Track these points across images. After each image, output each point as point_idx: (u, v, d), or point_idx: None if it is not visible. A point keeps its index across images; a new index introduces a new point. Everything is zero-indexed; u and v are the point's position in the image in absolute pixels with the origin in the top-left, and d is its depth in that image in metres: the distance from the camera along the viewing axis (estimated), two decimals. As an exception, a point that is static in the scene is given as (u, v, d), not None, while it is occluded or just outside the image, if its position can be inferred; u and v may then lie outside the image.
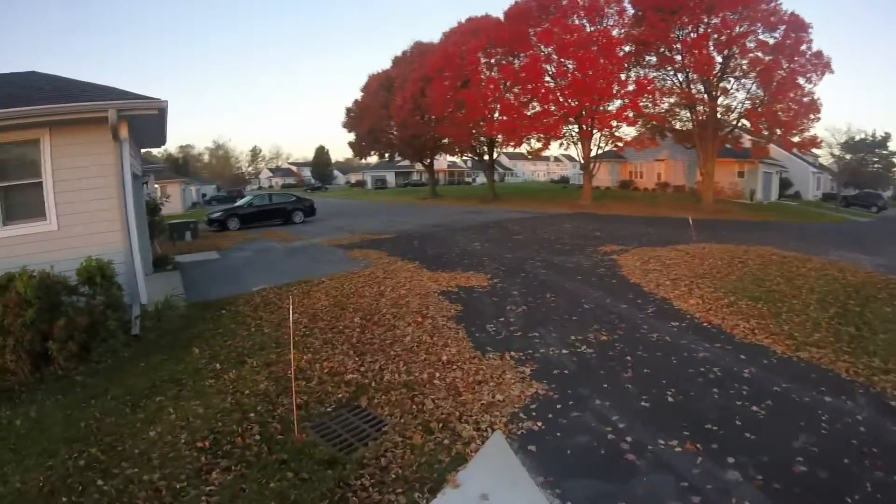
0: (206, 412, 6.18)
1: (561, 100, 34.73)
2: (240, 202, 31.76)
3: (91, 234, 9.58)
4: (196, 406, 6.35)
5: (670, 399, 6.60)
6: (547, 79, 35.52)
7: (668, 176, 49.14)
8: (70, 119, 9.18)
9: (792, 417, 6.09)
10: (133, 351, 8.39)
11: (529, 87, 35.27)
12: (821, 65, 29.38)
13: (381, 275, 13.76)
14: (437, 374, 7.43)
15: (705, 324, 9.52)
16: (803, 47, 29.07)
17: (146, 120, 10.63)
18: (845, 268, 14.26)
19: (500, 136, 39.45)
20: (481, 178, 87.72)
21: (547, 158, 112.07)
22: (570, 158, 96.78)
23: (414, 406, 6.40)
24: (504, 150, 61.82)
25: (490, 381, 7.24)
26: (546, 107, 35.60)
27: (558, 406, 6.51)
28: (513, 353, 8.22)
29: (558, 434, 5.86)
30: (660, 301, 10.97)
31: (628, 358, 7.98)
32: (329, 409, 6.39)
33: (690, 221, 16.97)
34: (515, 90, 37.45)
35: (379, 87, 51.74)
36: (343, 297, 11.71)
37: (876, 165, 58.72)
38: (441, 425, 5.89)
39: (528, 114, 36.62)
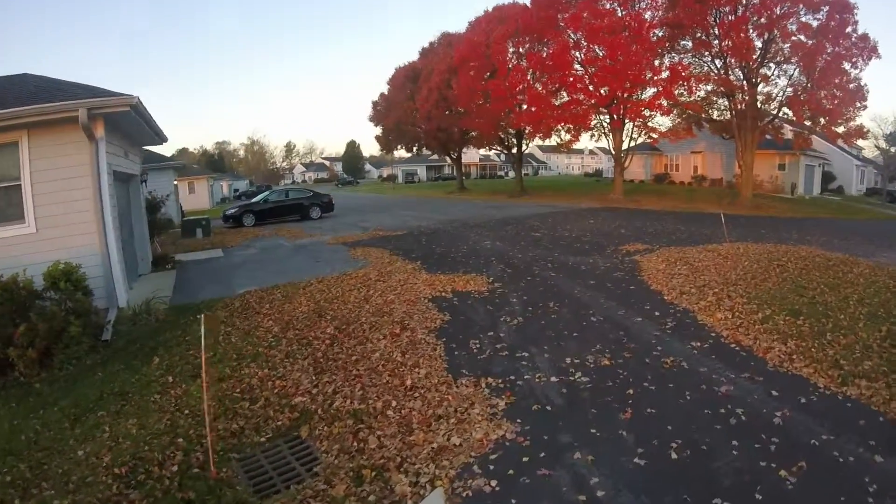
0: (138, 433, 5.70)
1: (590, 88, 32.92)
2: (256, 198, 31.07)
3: (68, 236, 9.41)
4: (132, 425, 5.88)
5: (674, 455, 5.05)
6: (576, 66, 33.69)
7: (705, 169, 46.65)
8: (45, 120, 9.09)
9: (831, 487, 4.53)
10: (99, 358, 8.01)
11: (557, 75, 33.51)
12: (867, 49, 27.12)
13: (374, 277, 12.57)
14: (394, 403, 6.23)
15: (733, 344, 7.83)
16: (848, 30, 26.91)
17: (127, 117, 10.32)
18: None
19: (527, 127, 37.72)
20: (515, 173, 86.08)
21: (581, 151, 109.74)
22: (605, 151, 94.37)
23: (355, 443, 5.44)
24: (537, 144, 59.99)
25: (452, 416, 5.92)
26: (575, 96, 33.94)
27: (526, 458, 5.08)
28: (490, 380, 6.85)
29: (513, 502, 4.45)
30: (681, 314, 9.31)
31: (630, 391, 6.43)
32: (264, 439, 5.66)
33: (723, 218, 15.06)
34: (543, 79, 35.75)
35: (405, 79, 50.55)
36: (325, 303, 10.64)
37: None
38: (375, 474, 4.86)
39: (557, 104, 34.93)
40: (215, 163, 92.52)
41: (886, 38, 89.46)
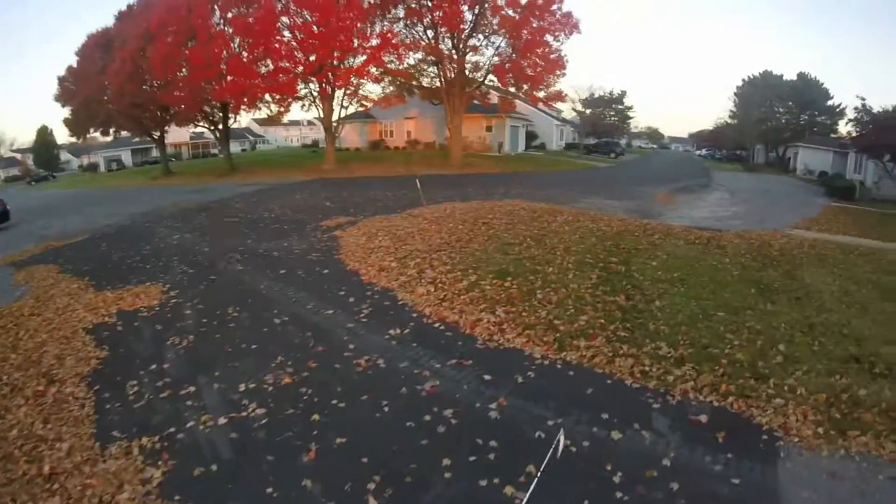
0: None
1: (297, 55, 30.87)
2: None
3: None
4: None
5: (372, 502, 3.62)
6: (285, 33, 31.34)
7: (419, 133, 48.46)
8: None
9: (571, 492, 3.63)
10: None
11: (263, 41, 30.75)
12: (569, 24, 29.82)
13: (28, 311, 9.06)
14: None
15: (437, 324, 6.79)
16: (554, 7, 29.21)
17: None
18: (598, 217, 13.03)
19: (231, 100, 34.23)
20: (233, 148, 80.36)
21: (299, 123, 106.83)
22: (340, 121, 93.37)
23: None
24: (254, 118, 55.85)
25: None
26: (281, 64, 31.52)
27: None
28: (146, 440, 4.90)
29: None
30: (380, 295, 8.05)
31: (316, 417, 4.87)
32: None
33: (418, 183, 14.39)
34: (248, 46, 32.58)
35: (97, 48, 42.12)
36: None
37: (613, 118, 66.80)
38: None
39: (262, 72, 32.15)
40: None
41: (588, 17, 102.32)
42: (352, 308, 7.56)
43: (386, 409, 4.90)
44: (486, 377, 5.25)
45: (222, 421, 5.05)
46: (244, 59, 32.15)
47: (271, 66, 32.38)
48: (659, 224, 12.55)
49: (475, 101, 35.56)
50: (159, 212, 20.00)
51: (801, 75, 49.80)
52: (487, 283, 7.81)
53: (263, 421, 4.97)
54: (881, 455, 4.16)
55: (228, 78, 33.04)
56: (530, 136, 51.69)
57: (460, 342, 6.15)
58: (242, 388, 5.61)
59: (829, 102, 48.66)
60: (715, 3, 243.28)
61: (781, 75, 51.42)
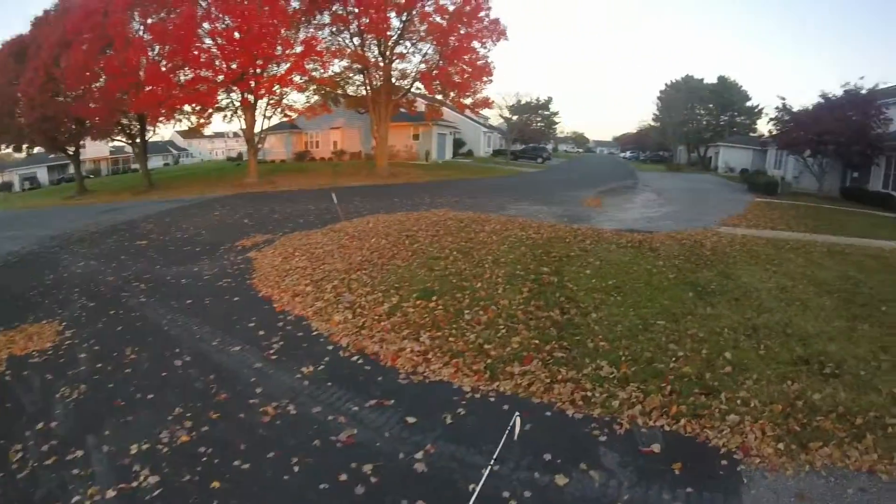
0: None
1: (217, 64, 29.39)
2: None
3: None
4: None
5: None
6: (208, 40, 29.79)
7: (345, 143, 47.50)
8: None
9: None
10: None
11: (182, 48, 29.07)
12: (497, 31, 29.71)
13: None
14: None
15: (356, 356, 6.05)
16: (482, 14, 29.12)
17: None
18: (527, 224, 12.58)
19: (147, 111, 32.26)
20: (155, 162, 76.84)
21: (224, 135, 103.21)
22: (265, 133, 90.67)
23: None
24: (178, 130, 53.02)
25: None
26: (200, 72, 29.93)
27: None
28: None
29: None
30: (292, 325, 7.24)
31: (216, 484, 4.06)
32: None
33: (335, 198, 13.46)
34: (167, 53, 30.75)
35: (10, 58, 38.98)
36: None
37: (539, 124, 68.30)
38: None
39: (180, 82, 30.41)
40: None
41: (516, 24, 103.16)
42: (261, 343, 6.72)
43: (296, 468, 4.15)
44: (410, 419, 4.58)
45: (110, 494, 4.17)
46: (162, 68, 30.47)
47: (191, 75, 30.81)
48: (589, 228, 12.23)
49: (402, 110, 35.05)
50: (68, 235, 18.33)
51: (721, 78, 52.38)
52: (411, 304, 7.13)
53: (156, 492, 4.13)
54: (846, 465, 3.85)
55: (146, 88, 31.25)
56: (458, 144, 51.67)
57: (381, 377, 5.44)
58: (134, 449, 4.73)
59: (748, 103, 51.45)
60: (636, 11, 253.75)
61: (702, 79, 53.87)
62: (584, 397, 4.76)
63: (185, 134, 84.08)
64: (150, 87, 30.61)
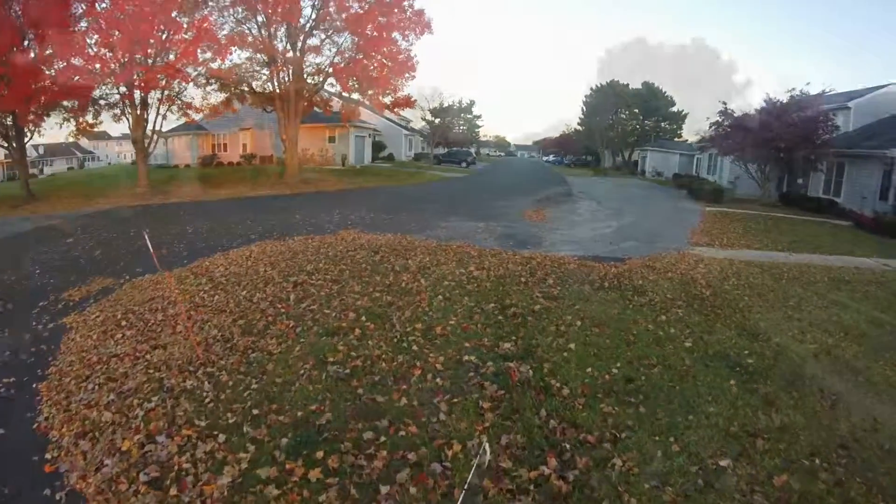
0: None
1: (92, 52, 24.98)
2: None
3: None
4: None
5: None
6: (83, 24, 25.39)
7: (255, 146, 43.01)
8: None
9: None
10: None
11: (51, 31, 24.57)
12: (421, 24, 27.06)
13: None
14: None
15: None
16: (405, 3, 26.60)
17: None
18: (465, 253, 9.81)
19: (15, 108, 27.29)
20: (59, 166, 70.17)
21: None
22: (160, 134, 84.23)
23: None
24: (70, 131, 47.12)
25: None
26: (73, 60, 25.43)
27: None
28: None
29: None
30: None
31: None
32: None
33: (147, 240, 7.77)
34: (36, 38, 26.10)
35: None
36: None
37: (462, 127, 66.87)
38: None
39: (50, 73, 25.84)
40: None
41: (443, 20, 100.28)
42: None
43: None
44: None
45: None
46: (31, 57, 25.73)
47: (62, 64, 26.22)
48: (546, 258, 9.45)
49: (316, 109, 31.87)
50: None
51: (646, 84, 52.62)
52: (275, 469, 3.67)
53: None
54: None
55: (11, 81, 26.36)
56: (378, 147, 48.71)
57: None
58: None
59: (673, 109, 51.56)
60: (559, 15, 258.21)
61: (627, 84, 53.85)
62: None
63: (91, 136, 76.48)
64: (16, 81, 25.97)
